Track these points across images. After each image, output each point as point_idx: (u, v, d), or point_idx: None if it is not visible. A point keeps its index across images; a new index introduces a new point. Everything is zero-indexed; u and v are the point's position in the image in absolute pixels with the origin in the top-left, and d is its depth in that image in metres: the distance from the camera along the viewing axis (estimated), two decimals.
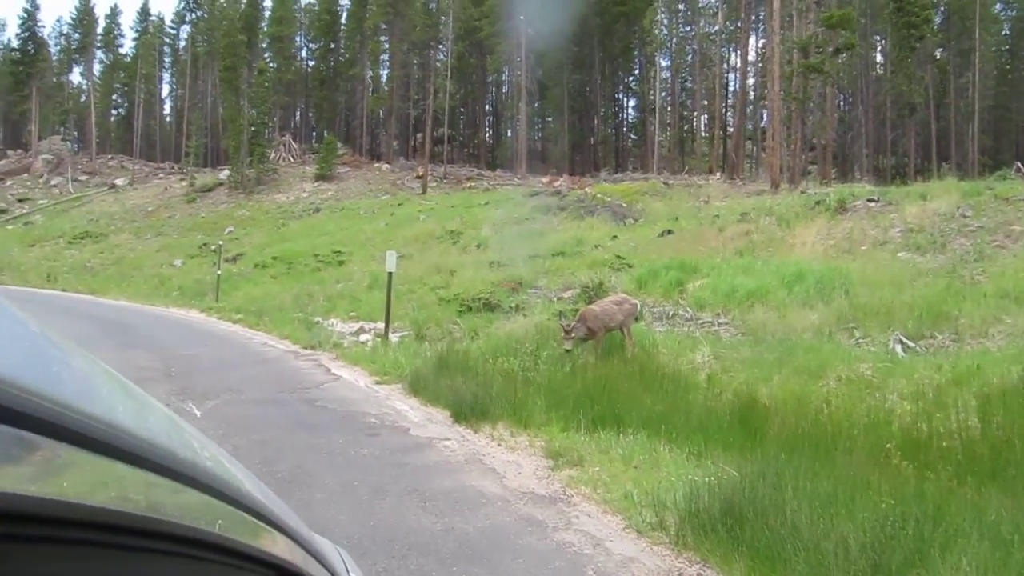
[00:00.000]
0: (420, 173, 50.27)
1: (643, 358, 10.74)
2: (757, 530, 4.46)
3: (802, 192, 29.39)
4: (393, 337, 15.20)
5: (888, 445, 5.56)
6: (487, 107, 71.87)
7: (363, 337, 16.00)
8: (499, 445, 7.53)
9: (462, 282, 22.59)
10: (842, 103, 57.25)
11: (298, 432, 7.78)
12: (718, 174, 44.16)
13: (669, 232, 27.50)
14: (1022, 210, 19.36)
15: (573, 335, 10.68)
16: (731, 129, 57.87)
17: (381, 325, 16.41)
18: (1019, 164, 24.86)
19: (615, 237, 28.21)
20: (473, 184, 49.94)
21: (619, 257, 22.78)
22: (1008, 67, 57.74)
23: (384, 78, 66.00)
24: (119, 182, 60.29)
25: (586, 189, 36.87)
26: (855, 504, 4.60)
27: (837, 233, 21.06)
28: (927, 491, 4.83)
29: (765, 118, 48.00)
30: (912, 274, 15.39)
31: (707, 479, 5.41)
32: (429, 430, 8.20)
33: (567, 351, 10.61)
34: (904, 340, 11.09)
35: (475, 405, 8.56)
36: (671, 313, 15.99)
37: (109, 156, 68.85)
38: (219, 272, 28.35)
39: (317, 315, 20.29)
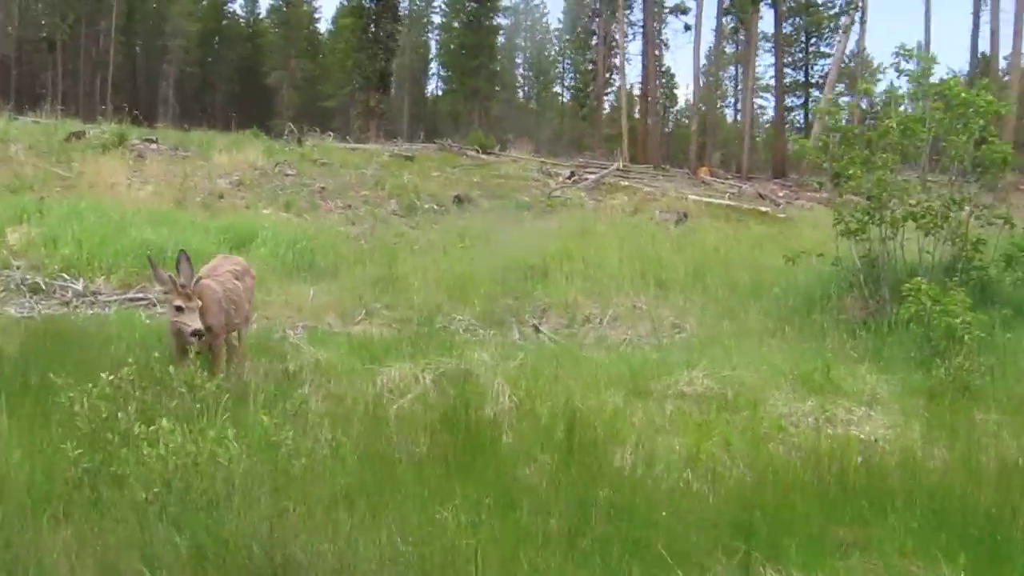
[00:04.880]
0: None
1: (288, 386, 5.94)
2: None
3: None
4: None
5: None
6: None
7: None
8: None
9: None
10: None
11: None
12: None
13: None
14: (340, 174, 18.92)
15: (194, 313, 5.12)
16: None
17: None
18: (290, 125, 24.17)
19: None
20: None
21: None
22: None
23: None
24: None
25: None
26: None
27: (151, 176, 16.61)
28: None
29: None
30: (340, 236, 13.17)
31: None
32: None
33: (195, 341, 5.10)
34: (538, 326, 8.98)
35: None
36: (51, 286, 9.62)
37: None
38: None
39: None
